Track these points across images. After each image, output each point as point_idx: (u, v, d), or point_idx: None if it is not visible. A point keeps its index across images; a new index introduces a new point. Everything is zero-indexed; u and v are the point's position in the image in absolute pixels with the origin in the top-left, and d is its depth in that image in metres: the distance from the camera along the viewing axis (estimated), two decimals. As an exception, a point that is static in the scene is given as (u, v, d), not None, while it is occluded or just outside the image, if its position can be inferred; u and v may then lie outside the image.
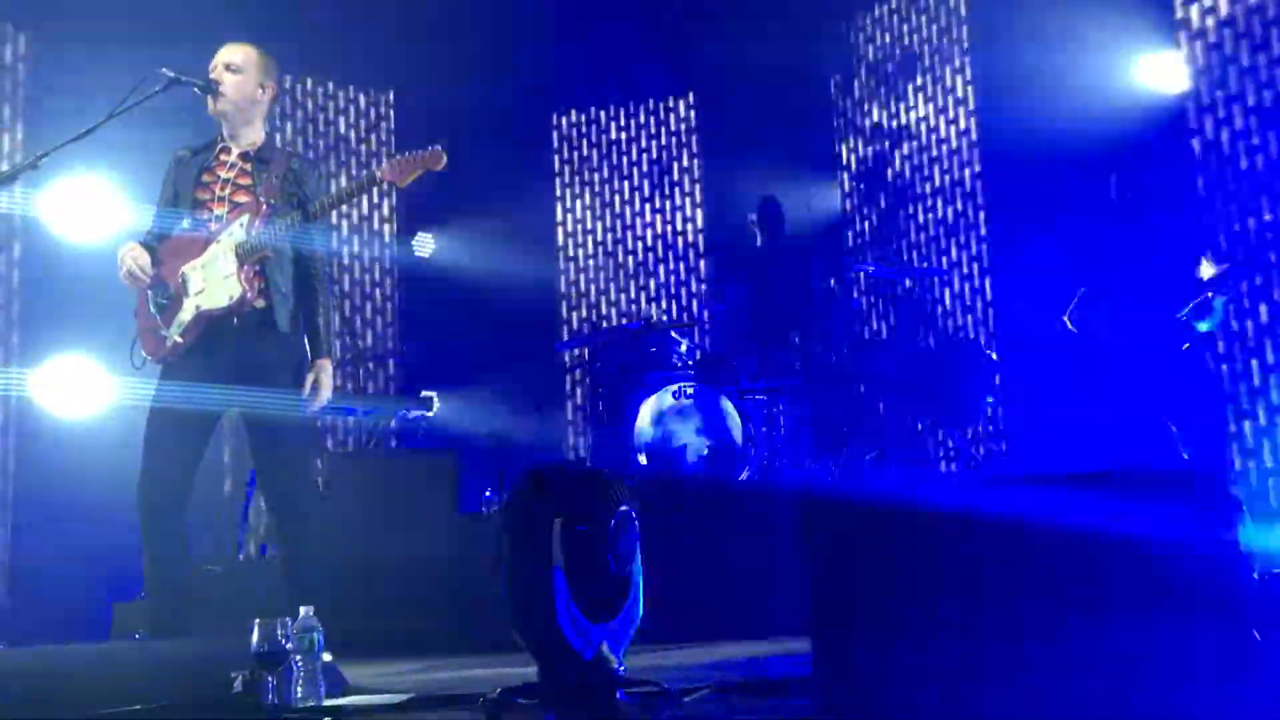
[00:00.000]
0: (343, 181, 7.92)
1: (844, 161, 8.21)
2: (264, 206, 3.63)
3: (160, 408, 3.62)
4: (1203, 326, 5.17)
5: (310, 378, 3.67)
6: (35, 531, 6.37)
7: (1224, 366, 5.87)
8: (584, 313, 8.81)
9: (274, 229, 3.58)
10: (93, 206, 6.39)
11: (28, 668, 3.06)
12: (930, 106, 7.61)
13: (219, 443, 6.65)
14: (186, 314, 3.65)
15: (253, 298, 3.62)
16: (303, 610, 2.84)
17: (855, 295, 7.68)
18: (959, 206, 7.44)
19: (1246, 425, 5.81)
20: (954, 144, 7.48)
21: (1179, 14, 6.26)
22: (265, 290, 3.65)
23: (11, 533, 6.49)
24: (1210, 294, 5.15)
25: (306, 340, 3.76)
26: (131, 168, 5.97)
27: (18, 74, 6.86)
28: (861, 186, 8.05)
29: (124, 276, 3.72)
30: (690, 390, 5.84)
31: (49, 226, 6.48)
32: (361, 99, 8.47)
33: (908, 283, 7.18)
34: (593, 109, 9.00)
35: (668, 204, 8.80)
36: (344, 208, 8.25)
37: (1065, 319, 5.48)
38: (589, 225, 8.94)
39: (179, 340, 3.65)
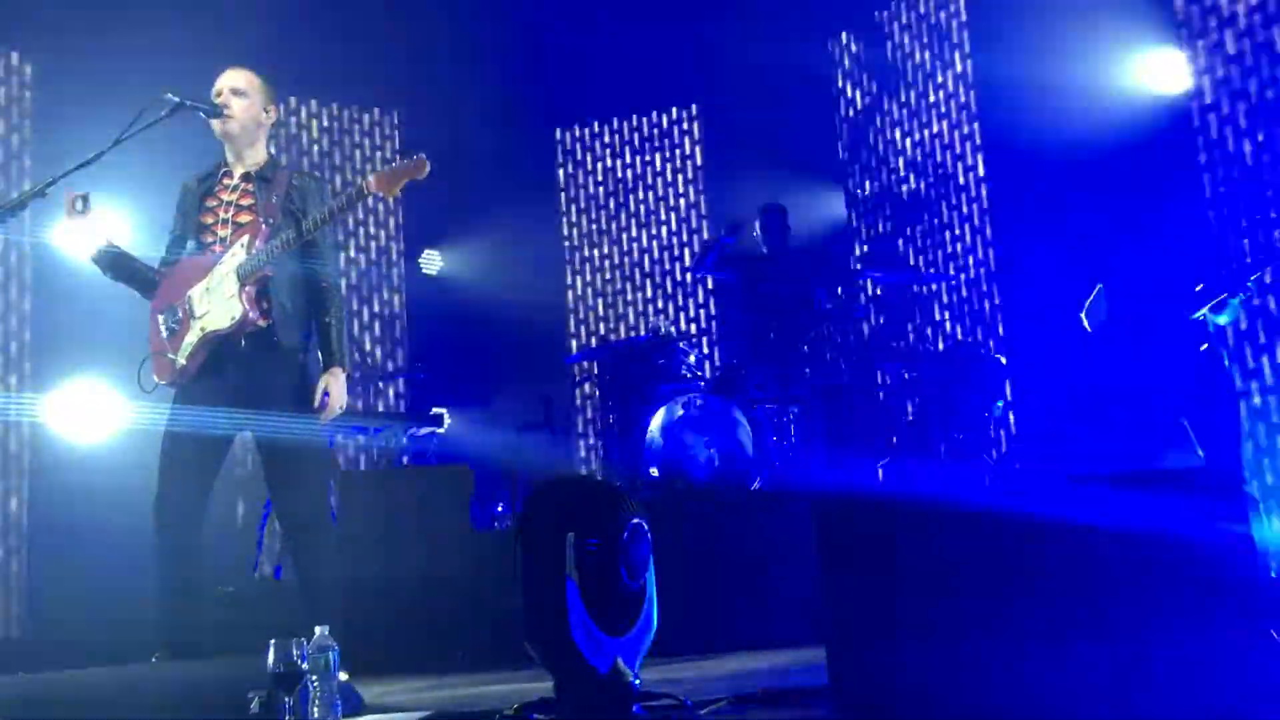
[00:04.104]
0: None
1: (848, 170, 8.21)
2: (264, 226, 3.66)
3: (174, 431, 3.63)
4: (1220, 319, 5.17)
5: (320, 387, 3.68)
6: (49, 556, 6.39)
7: (1232, 366, 5.84)
8: (592, 326, 8.82)
9: (271, 248, 3.61)
10: (101, 232, 6.40)
11: (45, 694, 3.06)
12: (933, 112, 7.62)
13: (233, 463, 6.66)
14: (193, 336, 3.67)
15: (256, 317, 3.64)
16: (318, 630, 2.84)
17: (862, 302, 7.67)
18: (964, 211, 7.44)
19: (1260, 426, 5.79)
20: (957, 148, 7.48)
21: (1180, 14, 6.26)
22: (269, 309, 3.67)
23: (26, 557, 6.51)
24: (1226, 295, 5.13)
25: (319, 352, 3.77)
26: (139, 192, 5.98)
27: (25, 103, 6.91)
28: (865, 194, 8.05)
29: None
30: (700, 401, 5.83)
31: (58, 253, 6.51)
32: (367, 120, 8.51)
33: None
34: (596, 123, 9.03)
35: (673, 216, 8.81)
36: (350, 227, 8.30)
37: (1082, 316, 5.47)
38: (594, 239, 8.96)
39: (186, 363, 3.67)
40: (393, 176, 3.62)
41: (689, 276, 8.67)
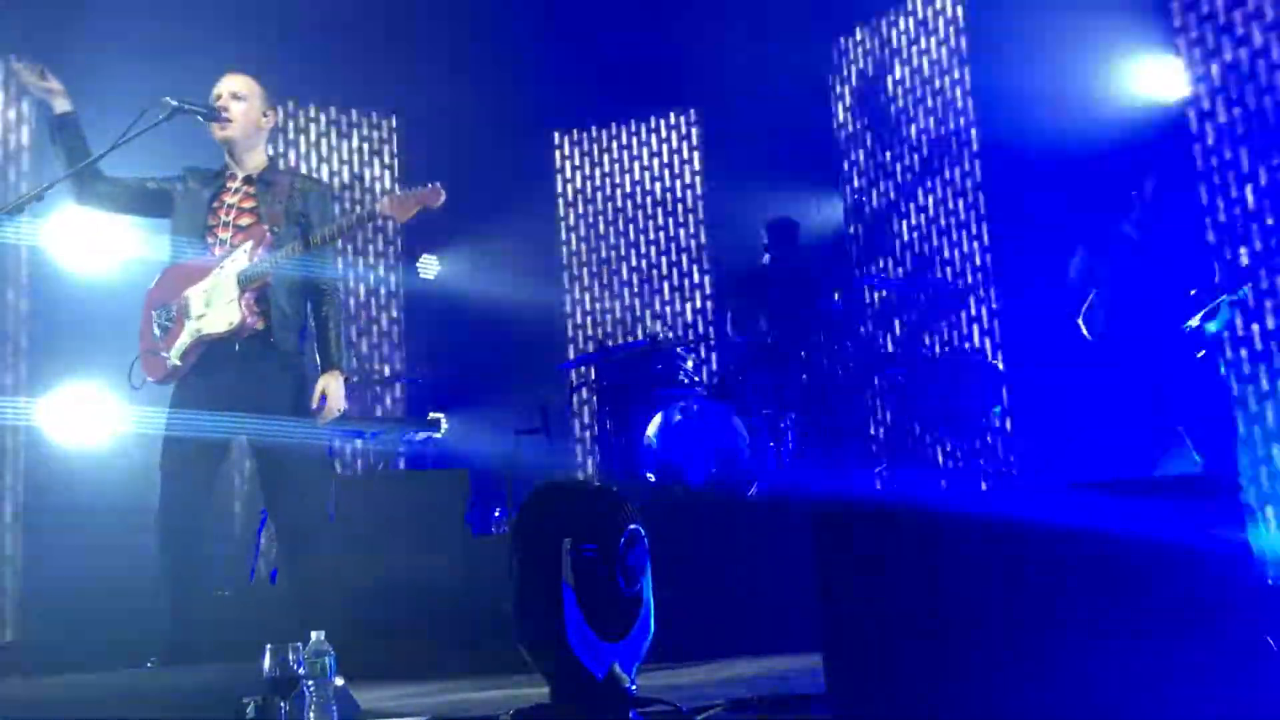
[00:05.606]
0: (346, 207, 7.99)
1: (846, 175, 8.21)
2: (268, 234, 3.66)
3: (173, 436, 3.63)
4: (1211, 327, 5.17)
5: (318, 389, 3.67)
6: (44, 560, 6.37)
7: (1229, 373, 5.84)
8: (589, 331, 8.82)
9: (275, 257, 3.61)
10: (97, 236, 6.41)
11: (42, 698, 3.06)
12: (931, 119, 7.62)
13: (229, 466, 6.65)
14: (186, 337, 3.67)
15: (253, 322, 3.64)
16: (314, 634, 2.83)
17: (861, 307, 7.67)
18: (961, 217, 7.44)
19: (1256, 430, 5.78)
20: (955, 154, 7.49)
21: (1177, 21, 6.27)
22: (265, 312, 3.67)
23: (23, 562, 6.49)
24: (1213, 300, 5.14)
25: (317, 355, 3.77)
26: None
27: (22, 106, 6.90)
28: (863, 200, 8.06)
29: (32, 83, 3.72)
30: (697, 407, 5.83)
31: (55, 256, 6.51)
32: (365, 124, 8.51)
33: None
34: (594, 127, 9.03)
35: (670, 221, 8.82)
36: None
37: (1079, 323, 5.47)
38: (593, 244, 8.96)
39: (178, 364, 3.67)
40: (407, 202, 3.62)
41: (686, 282, 8.68)
